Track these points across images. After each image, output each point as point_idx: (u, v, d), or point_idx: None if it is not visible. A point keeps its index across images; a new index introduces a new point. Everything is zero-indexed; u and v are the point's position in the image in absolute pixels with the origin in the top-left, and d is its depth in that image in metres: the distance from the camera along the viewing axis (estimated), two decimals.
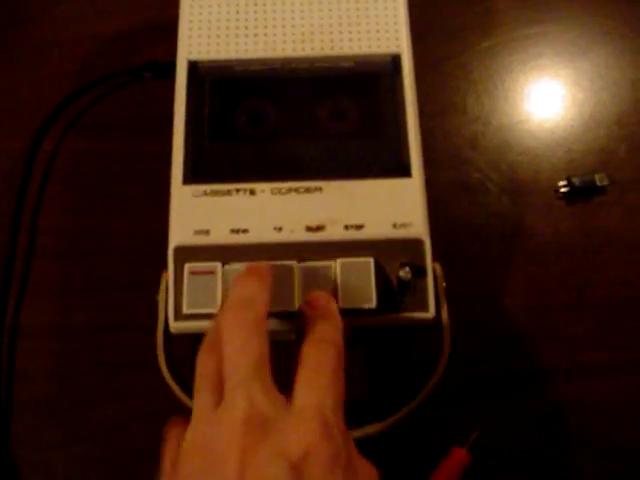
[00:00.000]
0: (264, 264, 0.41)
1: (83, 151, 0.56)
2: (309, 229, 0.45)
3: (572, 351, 0.50)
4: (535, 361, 0.50)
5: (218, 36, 0.50)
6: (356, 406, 0.47)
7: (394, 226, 0.45)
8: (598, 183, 0.54)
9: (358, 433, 0.46)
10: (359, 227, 0.45)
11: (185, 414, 0.45)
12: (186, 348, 0.50)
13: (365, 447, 0.46)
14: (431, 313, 0.44)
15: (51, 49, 0.60)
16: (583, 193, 0.54)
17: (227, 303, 0.38)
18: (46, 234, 0.53)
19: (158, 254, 0.45)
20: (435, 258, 0.45)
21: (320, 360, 0.36)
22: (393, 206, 0.45)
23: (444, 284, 0.46)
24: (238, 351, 0.36)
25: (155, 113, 0.55)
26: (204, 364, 0.37)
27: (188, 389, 0.46)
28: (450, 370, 0.48)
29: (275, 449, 0.32)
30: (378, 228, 0.45)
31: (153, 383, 0.48)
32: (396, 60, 0.49)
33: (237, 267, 0.43)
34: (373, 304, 0.43)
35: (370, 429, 0.46)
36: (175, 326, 0.44)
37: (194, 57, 0.49)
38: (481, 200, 0.54)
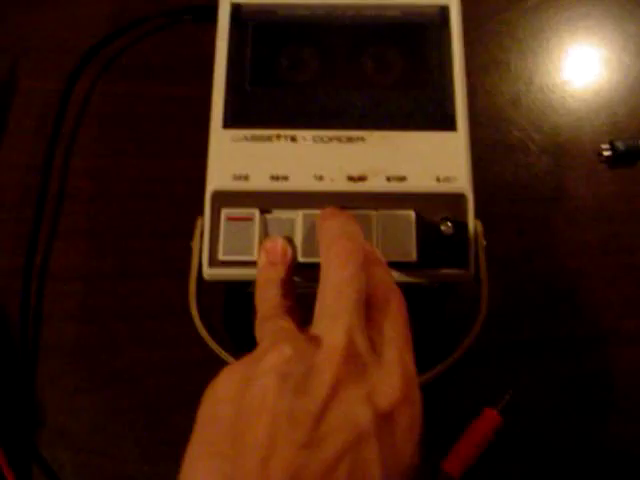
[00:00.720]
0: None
1: (118, 94, 0.55)
2: (350, 179, 0.44)
3: (609, 318, 0.49)
4: (571, 326, 0.49)
5: None
6: None
7: (437, 180, 0.44)
8: None
9: None
10: (401, 179, 0.44)
11: (216, 364, 0.45)
12: (218, 298, 0.49)
13: None
14: (470, 271, 0.43)
15: None
16: (626, 158, 0.53)
17: (331, 234, 0.37)
18: (78, 176, 0.53)
19: (193, 200, 0.44)
20: (476, 216, 0.44)
21: (402, 310, 0.36)
22: (437, 159, 0.44)
23: (484, 242, 0.45)
24: (346, 281, 0.34)
25: (194, 57, 0.54)
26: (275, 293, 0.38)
27: (219, 338, 0.45)
28: (485, 331, 0.47)
29: (365, 393, 0.31)
30: (421, 181, 0.44)
31: (183, 331, 0.48)
32: (444, 11, 0.48)
33: (276, 215, 0.43)
34: (413, 257, 0.42)
35: None
36: (209, 272, 0.43)
37: None
38: (522, 160, 0.53)
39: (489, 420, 0.46)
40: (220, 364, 0.44)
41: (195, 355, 0.47)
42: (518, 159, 0.53)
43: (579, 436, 0.47)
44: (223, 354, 0.45)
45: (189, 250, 0.44)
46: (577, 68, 0.56)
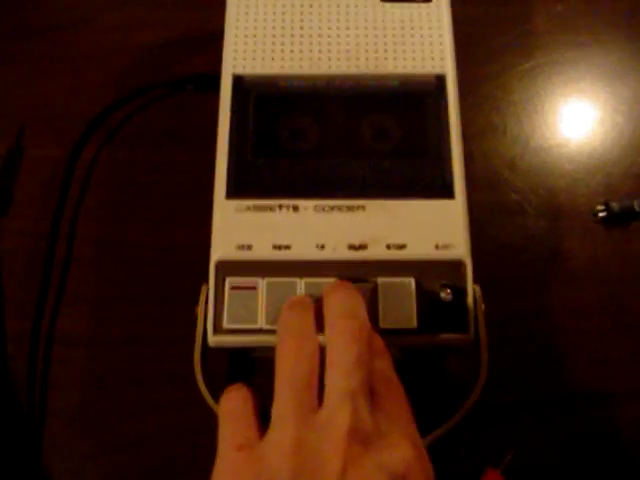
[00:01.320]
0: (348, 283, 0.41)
1: (122, 161, 0.56)
2: (351, 247, 0.45)
3: (608, 376, 0.50)
4: (570, 385, 0.50)
5: (264, 51, 0.50)
6: None
7: (436, 247, 0.44)
8: (637, 208, 0.53)
9: None
10: (401, 247, 0.45)
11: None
12: (221, 362, 0.50)
13: None
14: (470, 335, 0.44)
15: (92, 58, 0.60)
16: (621, 218, 0.54)
17: (335, 311, 0.39)
18: (84, 243, 0.54)
19: (196, 267, 0.45)
20: (474, 279, 0.45)
21: (402, 395, 0.38)
22: (435, 227, 0.45)
23: (483, 306, 0.45)
24: (353, 363, 0.36)
25: (196, 125, 0.55)
26: (295, 368, 0.38)
27: None
28: (485, 391, 0.48)
29: (377, 463, 0.33)
30: (420, 248, 0.44)
31: (188, 396, 0.48)
32: (440, 80, 0.49)
33: (279, 281, 0.43)
34: (414, 324, 0.43)
35: None
36: (214, 340, 0.44)
37: (239, 71, 0.49)
38: (519, 222, 0.54)
39: None
40: None
41: (201, 421, 0.48)
42: (515, 221, 0.54)
43: None
44: None
45: (194, 315, 0.45)
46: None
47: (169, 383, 0.50)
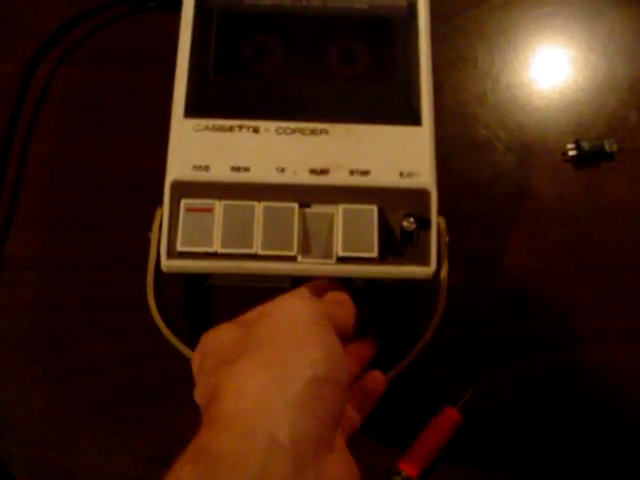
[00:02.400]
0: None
1: (79, 80, 0.54)
2: (313, 172, 0.43)
3: (571, 317, 0.50)
4: (531, 325, 0.49)
5: None
6: None
7: (400, 174, 0.43)
8: (607, 149, 0.53)
9: None
10: (364, 173, 0.43)
11: (172, 357, 0.45)
12: (174, 289, 0.49)
13: None
14: (432, 268, 0.43)
15: None
16: (591, 158, 0.53)
17: None
18: (36, 164, 0.52)
19: (152, 191, 0.43)
20: (439, 213, 0.44)
21: None
22: (401, 154, 0.44)
23: (447, 239, 0.44)
24: None
25: (157, 46, 0.54)
26: None
27: (176, 330, 0.45)
28: (445, 329, 0.47)
29: None
30: (384, 175, 0.43)
31: (140, 323, 0.47)
32: (412, 6, 0.47)
33: (236, 204, 0.42)
34: (374, 253, 0.42)
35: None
36: (167, 264, 0.42)
37: None
38: (487, 158, 0.53)
39: (449, 418, 0.46)
40: (177, 357, 0.44)
41: (152, 348, 0.47)
42: (483, 156, 0.53)
43: (537, 435, 0.47)
44: (180, 346, 0.45)
45: (147, 240, 0.44)
46: (544, 67, 0.56)
47: (120, 309, 0.49)
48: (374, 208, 0.42)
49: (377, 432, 0.46)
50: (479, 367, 0.48)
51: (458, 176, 0.52)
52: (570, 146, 0.53)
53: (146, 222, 0.44)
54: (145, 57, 0.55)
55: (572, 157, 0.53)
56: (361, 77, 0.46)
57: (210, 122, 0.44)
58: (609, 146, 0.53)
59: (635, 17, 0.58)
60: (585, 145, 0.52)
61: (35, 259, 0.49)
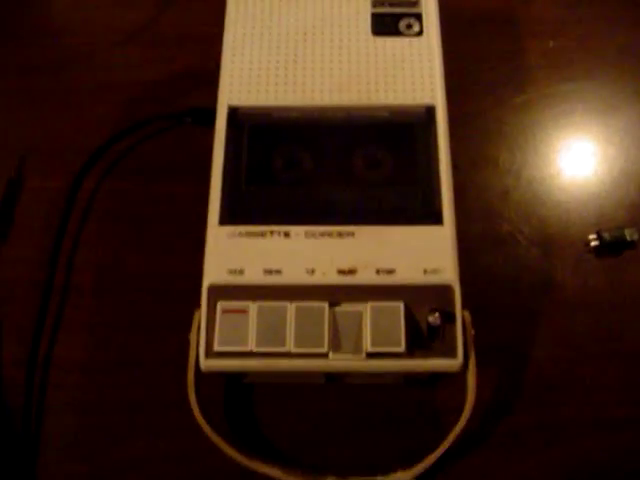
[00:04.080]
0: None
1: (122, 191, 0.58)
2: (341, 272, 0.45)
3: (600, 403, 0.50)
4: (563, 413, 0.50)
5: (258, 83, 0.51)
6: (383, 455, 0.48)
7: (424, 272, 0.45)
8: (628, 238, 0.54)
9: None
10: (390, 272, 0.45)
11: (213, 455, 0.46)
12: (215, 389, 0.50)
13: None
14: (459, 360, 0.44)
15: (94, 94, 0.62)
16: (613, 247, 0.54)
17: None
18: (82, 271, 0.55)
19: (191, 294, 0.46)
20: (464, 307, 0.45)
21: None
22: (424, 252, 0.46)
23: (473, 332, 0.46)
24: None
25: (193, 157, 0.56)
26: None
27: (217, 429, 0.46)
28: (477, 420, 0.49)
29: None
30: (409, 273, 0.45)
31: (181, 422, 0.48)
32: (430, 111, 0.50)
33: (269, 305, 0.44)
34: (402, 348, 0.43)
35: (396, 477, 0.46)
36: (206, 364, 0.44)
37: (234, 103, 0.51)
38: (511, 252, 0.55)
39: None
40: (218, 455, 0.46)
41: (193, 446, 0.49)
42: (508, 251, 0.54)
43: None
44: (221, 443, 0.46)
45: (187, 341, 0.46)
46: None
47: (162, 409, 0.50)
48: (400, 305, 0.44)
49: None
50: (511, 458, 0.49)
51: (483, 271, 0.54)
52: (592, 237, 0.54)
53: (185, 324, 0.46)
54: (182, 168, 0.58)
55: (594, 247, 0.54)
56: (385, 181, 0.49)
57: (243, 229, 0.46)
58: (630, 235, 0.54)
59: None
60: (606, 235, 0.54)
61: (80, 362, 0.52)
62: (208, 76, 0.54)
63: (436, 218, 0.47)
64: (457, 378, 0.46)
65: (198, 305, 0.45)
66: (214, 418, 0.47)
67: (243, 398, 0.51)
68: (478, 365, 0.45)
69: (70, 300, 0.54)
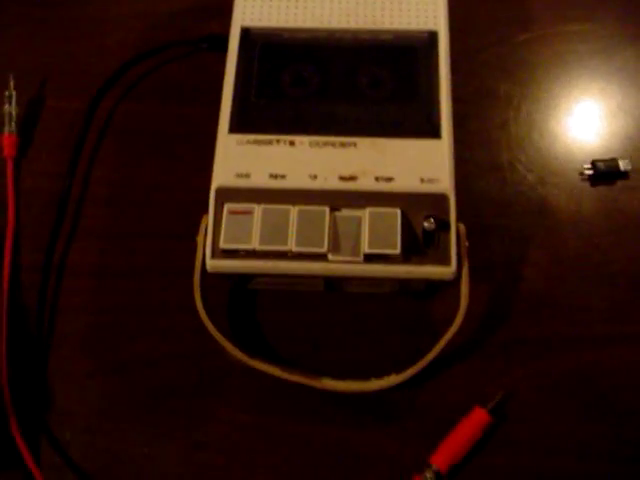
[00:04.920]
0: None
1: (137, 112, 0.60)
2: (342, 178, 0.47)
3: (590, 320, 0.52)
4: (551, 328, 0.52)
5: (270, 6, 0.54)
6: (378, 360, 0.50)
7: (421, 181, 0.47)
8: (622, 168, 0.56)
9: (377, 384, 0.48)
10: (389, 179, 0.47)
11: (216, 354, 0.49)
12: (222, 296, 0.53)
13: (386, 402, 0.49)
14: (452, 267, 0.46)
15: (114, 23, 0.65)
16: (607, 177, 0.56)
17: None
18: (98, 185, 0.57)
19: (201, 205, 0.48)
20: (459, 220, 0.47)
21: None
22: (422, 164, 0.48)
23: (467, 243, 0.48)
24: None
25: (207, 82, 0.58)
26: None
27: (223, 330, 0.48)
28: (468, 332, 0.51)
29: None
30: (406, 182, 0.47)
31: (187, 325, 0.51)
32: (433, 36, 0.52)
33: (273, 208, 0.47)
34: (397, 250, 0.45)
35: (389, 380, 0.48)
36: (211, 264, 0.47)
37: (247, 24, 0.53)
38: (508, 178, 0.56)
39: (478, 419, 0.48)
40: (220, 354, 0.48)
41: (198, 346, 0.51)
42: (505, 177, 0.56)
43: (565, 434, 0.49)
44: (225, 342, 0.48)
45: (194, 244, 0.48)
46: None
47: (170, 312, 0.53)
48: (397, 211, 0.46)
49: (408, 428, 0.49)
50: (503, 369, 0.51)
51: (481, 195, 0.56)
52: (587, 166, 0.56)
53: (194, 233, 0.48)
54: (197, 91, 0.61)
55: (589, 176, 0.56)
56: (387, 98, 0.51)
57: (251, 137, 0.49)
58: (624, 165, 0.56)
59: None
60: (601, 165, 0.56)
61: (93, 267, 0.54)
62: (223, 7, 0.56)
63: (434, 132, 0.49)
64: (452, 291, 0.48)
65: (207, 212, 0.48)
66: (218, 322, 0.49)
67: (246, 304, 0.53)
68: (472, 280, 0.48)
69: (85, 210, 0.56)
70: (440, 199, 0.47)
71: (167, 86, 0.61)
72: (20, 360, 0.51)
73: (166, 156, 0.58)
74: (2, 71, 0.60)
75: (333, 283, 0.50)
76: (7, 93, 0.58)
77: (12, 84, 0.59)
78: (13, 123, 0.58)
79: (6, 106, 0.58)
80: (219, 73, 0.52)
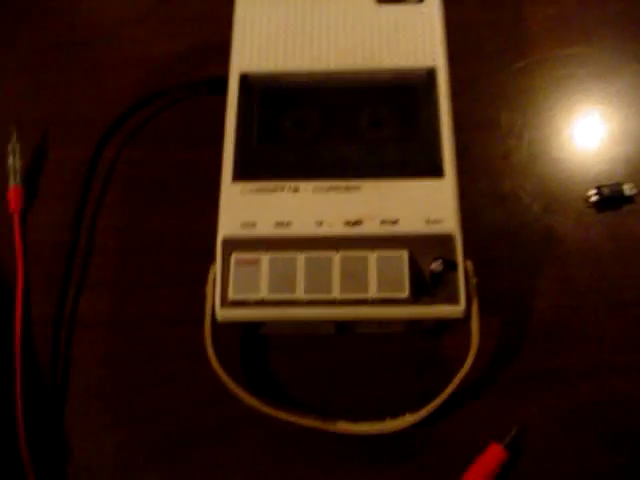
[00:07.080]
0: None
1: (140, 159, 0.60)
2: (347, 224, 0.48)
3: (602, 351, 0.52)
4: (565, 359, 0.52)
5: (267, 51, 0.54)
6: (392, 401, 0.50)
7: (427, 222, 0.47)
8: (626, 193, 0.56)
9: (392, 425, 0.49)
10: (394, 222, 0.47)
11: (229, 402, 0.49)
12: (233, 342, 0.53)
13: (402, 440, 0.49)
14: (462, 306, 0.46)
15: (114, 69, 0.65)
16: (612, 202, 0.56)
17: None
18: (104, 234, 0.57)
19: (207, 252, 0.48)
20: (467, 258, 0.47)
21: None
22: (426, 204, 0.48)
23: (475, 280, 0.48)
24: None
25: (208, 126, 0.58)
26: None
27: (236, 377, 0.49)
28: (481, 367, 0.51)
29: None
30: (412, 224, 0.47)
31: (199, 373, 0.51)
32: (431, 73, 0.52)
33: (280, 256, 0.47)
34: (406, 294, 0.45)
35: (404, 420, 0.49)
36: (221, 313, 0.47)
37: (245, 70, 0.53)
38: (513, 209, 0.56)
39: (495, 455, 0.48)
40: (234, 402, 0.48)
41: (211, 394, 0.51)
42: (509, 207, 0.56)
43: (582, 467, 0.49)
44: (237, 390, 0.48)
45: (203, 294, 0.48)
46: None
47: (182, 360, 0.53)
48: (404, 253, 0.46)
49: (424, 467, 0.49)
50: (517, 403, 0.51)
51: (486, 226, 0.56)
52: (592, 192, 0.56)
53: (202, 280, 0.49)
54: (198, 136, 0.61)
55: (594, 202, 0.56)
56: (388, 138, 0.51)
57: (255, 184, 0.49)
58: (628, 190, 0.56)
59: None
60: (606, 190, 0.56)
61: (104, 317, 0.54)
62: (222, 50, 0.56)
63: (437, 171, 0.49)
64: (462, 328, 0.49)
65: (213, 261, 0.48)
66: (231, 369, 0.49)
67: (258, 349, 0.53)
68: (482, 315, 0.48)
69: (93, 261, 0.56)
70: (446, 239, 0.47)
71: (168, 132, 0.61)
72: (36, 415, 0.51)
73: (171, 202, 0.58)
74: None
75: (344, 325, 0.50)
76: (10, 147, 0.58)
77: (15, 136, 0.59)
78: (18, 175, 0.58)
79: (10, 159, 0.58)
80: (220, 116, 0.52)
